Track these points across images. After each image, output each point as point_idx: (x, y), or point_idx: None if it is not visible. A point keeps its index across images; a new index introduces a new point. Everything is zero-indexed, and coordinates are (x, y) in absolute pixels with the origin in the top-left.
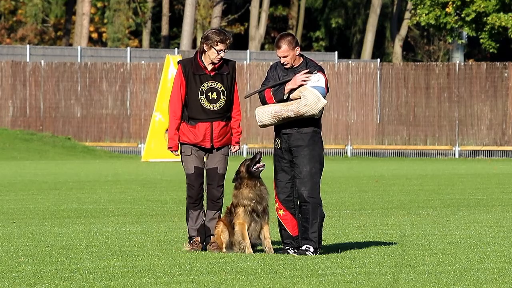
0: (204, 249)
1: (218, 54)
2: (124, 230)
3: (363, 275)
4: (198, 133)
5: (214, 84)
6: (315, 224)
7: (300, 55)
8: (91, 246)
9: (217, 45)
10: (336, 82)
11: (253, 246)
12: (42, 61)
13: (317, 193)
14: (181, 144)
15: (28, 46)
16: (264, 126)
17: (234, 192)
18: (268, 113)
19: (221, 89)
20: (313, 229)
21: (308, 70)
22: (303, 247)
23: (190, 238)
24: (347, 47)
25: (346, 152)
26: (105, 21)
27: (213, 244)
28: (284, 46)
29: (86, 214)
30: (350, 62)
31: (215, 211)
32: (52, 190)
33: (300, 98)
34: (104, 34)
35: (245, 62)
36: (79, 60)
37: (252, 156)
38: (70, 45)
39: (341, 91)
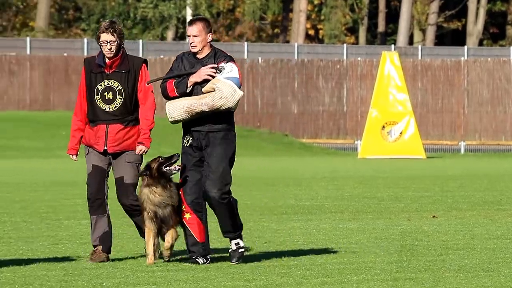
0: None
1: (105, 46)
2: (341, 226)
3: None
4: (94, 134)
5: (111, 83)
6: (234, 214)
7: (210, 44)
8: (308, 243)
9: (100, 36)
10: None
11: None
12: (260, 58)
13: (228, 190)
14: (84, 146)
15: (245, 43)
16: (175, 122)
17: (142, 189)
18: (180, 108)
19: (117, 88)
20: (235, 220)
21: (215, 66)
22: (233, 247)
23: (94, 246)
24: None
25: None
26: (322, 17)
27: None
28: (199, 25)
29: (303, 211)
30: None
31: (135, 218)
32: (269, 186)
33: (214, 90)
34: (320, 31)
35: (462, 58)
36: (295, 57)
37: (169, 155)
38: (287, 42)
39: None
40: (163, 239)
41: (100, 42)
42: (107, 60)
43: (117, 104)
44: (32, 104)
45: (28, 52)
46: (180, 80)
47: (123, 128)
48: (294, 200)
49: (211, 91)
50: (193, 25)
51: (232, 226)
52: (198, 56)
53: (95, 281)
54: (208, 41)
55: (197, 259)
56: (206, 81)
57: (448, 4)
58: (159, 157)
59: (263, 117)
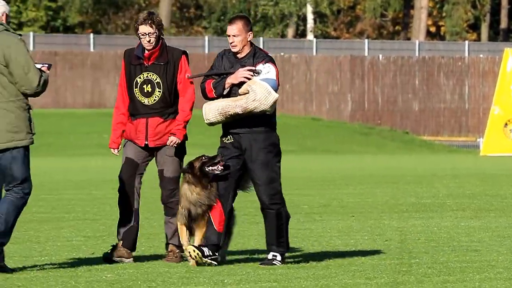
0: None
1: (144, 38)
2: (463, 224)
3: None
4: (134, 129)
5: (150, 76)
6: (281, 228)
7: (250, 43)
8: (429, 241)
9: (138, 28)
10: None
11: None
12: (380, 55)
13: (278, 197)
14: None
15: (366, 40)
16: (211, 124)
17: (183, 184)
18: (214, 109)
19: (156, 81)
20: (281, 234)
21: (253, 68)
22: (270, 256)
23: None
24: None
25: None
26: (444, 14)
27: (169, 253)
28: (239, 24)
29: (424, 208)
30: None
31: (169, 217)
32: (390, 184)
33: (249, 92)
34: (442, 28)
35: None
36: (416, 54)
37: (213, 155)
38: (408, 39)
39: None
40: (192, 234)
41: (138, 34)
42: (145, 52)
43: (156, 97)
44: None
45: None
46: (218, 80)
47: (163, 121)
48: (415, 198)
49: (246, 93)
50: (233, 24)
51: (277, 240)
52: (238, 55)
53: (217, 278)
54: (248, 40)
55: (203, 248)
56: (243, 82)
57: None
58: (202, 156)
59: (383, 115)
